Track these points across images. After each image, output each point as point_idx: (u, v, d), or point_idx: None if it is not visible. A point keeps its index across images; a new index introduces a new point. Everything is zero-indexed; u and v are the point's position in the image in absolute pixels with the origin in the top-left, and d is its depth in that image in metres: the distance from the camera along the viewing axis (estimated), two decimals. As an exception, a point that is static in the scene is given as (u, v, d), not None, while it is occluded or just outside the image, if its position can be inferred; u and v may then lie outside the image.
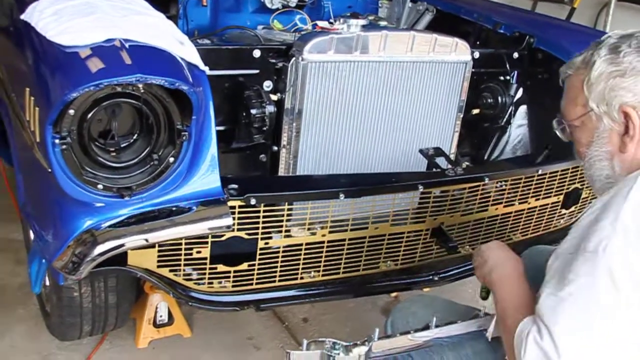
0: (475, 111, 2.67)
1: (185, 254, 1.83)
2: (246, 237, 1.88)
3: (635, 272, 1.18)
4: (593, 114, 1.35)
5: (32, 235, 2.06)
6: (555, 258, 1.31)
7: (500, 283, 1.48)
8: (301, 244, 1.98)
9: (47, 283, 2.24)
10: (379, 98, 2.24)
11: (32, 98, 1.63)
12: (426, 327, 1.59)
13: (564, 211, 2.53)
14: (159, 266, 1.82)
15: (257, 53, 2.11)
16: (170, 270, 1.84)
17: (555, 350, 1.17)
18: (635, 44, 1.33)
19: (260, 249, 1.92)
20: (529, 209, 2.40)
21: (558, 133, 1.50)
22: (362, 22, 2.19)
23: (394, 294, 2.89)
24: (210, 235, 1.81)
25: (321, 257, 2.03)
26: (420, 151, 2.23)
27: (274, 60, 2.14)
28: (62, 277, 1.68)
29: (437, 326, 1.58)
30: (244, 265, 1.93)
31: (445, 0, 3.25)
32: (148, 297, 2.48)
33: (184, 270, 1.86)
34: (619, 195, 1.24)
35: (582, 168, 1.62)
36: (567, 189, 2.47)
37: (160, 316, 2.53)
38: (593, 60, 1.35)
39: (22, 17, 1.80)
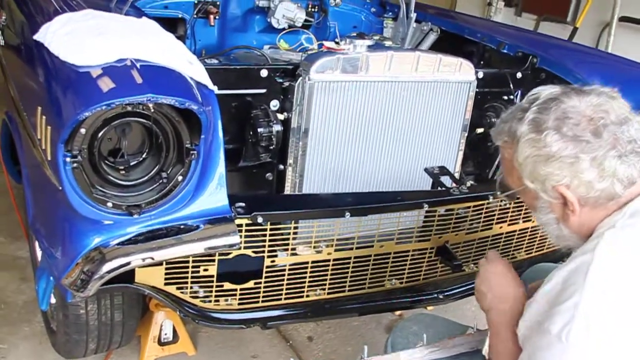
0: (480, 130, 2.68)
1: (192, 272, 1.84)
2: (253, 255, 1.89)
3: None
4: (530, 189, 1.34)
5: (39, 253, 2.08)
6: (522, 327, 1.33)
7: (497, 330, 1.47)
8: (307, 262, 1.99)
9: (53, 300, 2.25)
10: (384, 117, 2.26)
11: (44, 117, 1.65)
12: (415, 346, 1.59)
13: (568, 230, 2.54)
14: (166, 284, 1.83)
15: (264, 73, 2.14)
16: (177, 288, 1.85)
17: None
18: (552, 120, 1.27)
19: (267, 267, 1.94)
20: (533, 227, 2.41)
21: (503, 198, 1.50)
22: (368, 42, 2.22)
23: (398, 313, 2.89)
24: (217, 253, 1.82)
25: (327, 275, 2.04)
26: (425, 170, 2.25)
27: (280, 80, 2.16)
28: (70, 294, 1.68)
29: (427, 344, 1.58)
30: (251, 283, 1.94)
31: (450, 20, 3.29)
32: (153, 315, 2.48)
33: (190, 287, 1.87)
34: (579, 274, 1.22)
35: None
36: (571, 207, 2.48)
37: (165, 334, 2.53)
38: (517, 136, 1.32)
39: (35, 37, 1.83)
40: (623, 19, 5.50)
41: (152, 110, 1.57)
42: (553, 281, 1.27)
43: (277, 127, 2.10)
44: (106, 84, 1.55)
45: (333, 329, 2.86)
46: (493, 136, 1.43)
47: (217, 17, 2.97)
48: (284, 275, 1.98)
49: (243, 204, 1.80)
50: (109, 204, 1.63)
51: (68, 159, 1.53)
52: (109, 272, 1.62)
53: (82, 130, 1.52)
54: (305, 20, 2.94)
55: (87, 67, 1.59)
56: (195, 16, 2.89)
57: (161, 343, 2.53)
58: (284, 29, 2.90)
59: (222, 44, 2.96)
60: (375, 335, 2.86)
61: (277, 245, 1.92)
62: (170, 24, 2.84)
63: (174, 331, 2.56)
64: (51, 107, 1.64)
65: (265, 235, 1.88)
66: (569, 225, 1.33)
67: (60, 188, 1.58)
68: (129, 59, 1.62)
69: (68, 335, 2.17)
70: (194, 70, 1.72)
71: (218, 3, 2.94)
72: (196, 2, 2.91)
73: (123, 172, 1.67)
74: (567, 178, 1.27)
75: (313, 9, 3.11)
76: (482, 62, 2.99)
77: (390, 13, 3.42)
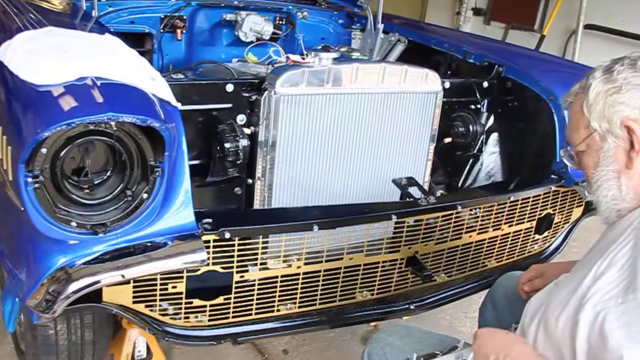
0: (448, 140, 2.71)
1: (161, 289, 1.82)
2: (221, 270, 1.88)
3: None
4: (596, 135, 1.38)
5: (5, 274, 2.05)
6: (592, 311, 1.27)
7: None
8: (277, 277, 1.99)
9: (22, 321, 2.22)
10: (351, 129, 2.27)
11: (5, 137, 1.63)
12: None
13: (537, 237, 2.57)
14: (134, 302, 1.81)
15: (230, 87, 2.13)
16: (146, 306, 1.83)
17: None
18: (627, 62, 1.37)
19: (236, 282, 1.92)
20: (502, 235, 2.43)
21: (566, 161, 1.54)
22: (333, 55, 2.23)
23: (373, 323, 2.89)
24: (185, 270, 1.81)
25: (297, 288, 2.03)
26: (393, 181, 2.26)
27: (247, 94, 2.16)
28: (35, 315, 1.66)
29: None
30: (220, 299, 1.93)
31: (417, 31, 3.31)
32: (126, 332, 2.45)
33: (159, 305, 1.85)
34: None
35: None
36: (540, 214, 2.51)
37: (139, 351, 2.50)
38: (589, 83, 1.39)
39: (-5, 55, 1.81)
40: (588, 26, 5.60)
41: (115, 129, 1.56)
42: (623, 249, 1.28)
43: (244, 142, 2.10)
44: (67, 103, 1.53)
45: (308, 341, 2.86)
46: (563, 100, 1.51)
47: (184, 32, 2.97)
48: (253, 290, 1.97)
49: (210, 220, 1.79)
50: (73, 224, 1.61)
51: (29, 179, 1.51)
52: (75, 292, 1.59)
53: (44, 150, 1.50)
54: (273, 33, 2.96)
55: (47, 86, 1.57)
56: (162, 31, 2.89)
57: (134, 361, 2.51)
58: (251, 42, 2.91)
59: (189, 58, 2.96)
60: (351, 346, 2.86)
61: (246, 260, 1.91)
62: (137, 39, 2.84)
63: (148, 348, 2.53)
64: (11, 126, 1.62)
65: (233, 251, 1.87)
66: (629, 176, 1.36)
67: (23, 209, 1.56)
68: (89, 78, 1.60)
69: (37, 356, 2.13)
70: (157, 86, 1.71)
71: (185, 17, 2.95)
72: (163, 16, 2.90)
73: (87, 190, 1.65)
74: (636, 110, 1.32)
75: (280, 22, 3.13)
76: (449, 72, 3.02)
77: (358, 24, 3.44)
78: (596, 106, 1.37)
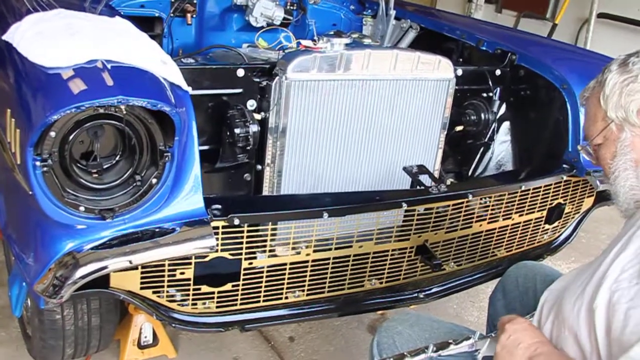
0: (459, 128, 2.68)
1: (169, 275, 1.81)
2: (230, 257, 1.87)
3: None
4: (613, 125, 1.40)
5: (13, 258, 2.04)
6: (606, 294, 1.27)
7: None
8: (285, 264, 1.97)
9: (29, 305, 2.21)
10: (362, 116, 2.25)
11: (13, 120, 1.62)
12: (422, 351, 1.56)
13: (547, 226, 2.54)
14: (142, 288, 1.80)
15: (240, 72, 2.11)
16: (154, 292, 1.83)
17: None
18: None
19: (244, 269, 1.91)
20: (512, 224, 2.41)
21: (584, 155, 1.57)
22: (345, 40, 2.20)
23: (380, 312, 2.88)
24: (193, 256, 1.80)
25: (306, 276, 2.02)
26: (404, 169, 2.24)
27: (257, 79, 2.14)
28: (42, 300, 1.65)
29: (434, 351, 1.55)
30: (228, 286, 1.92)
31: (429, 17, 3.28)
32: (132, 317, 2.45)
33: (167, 291, 1.84)
34: None
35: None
36: (550, 204, 2.48)
37: (145, 337, 2.50)
38: (605, 77, 1.42)
39: (4, 37, 1.80)
40: (601, 15, 5.53)
41: (125, 112, 1.54)
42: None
43: (254, 128, 2.08)
44: (76, 86, 1.51)
45: (314, 329, 2.85)
46: (580, 96, 1.53)
47: (194, 16, 2.93)
48: (262, 277, 1.96)
49: (219, 206, 1.77)
50: (82, 208, 1.60)
51: (38, 163, 1.50)
52: (82, 277, 1.59)
53: (52, 134, 1.49)
54: (284, 19, 2.92)
55: (57, 69, 1.55)
56: (172, 15, 2.85)
57: (141, 346, 2.51)
58: (262, 27, 2.88)
59: (199, 43, 2.93)
60: (357, 334, 2.85)
61: (255, 247, 1.89)
62: (147, 23, 2.81)
63: (154, 334, 2.53)
64: (20, 109, 1.61)
65: (242, 237, 1.85)
66: None
67: (31, 192, 1.54)
68: (100, 60, 1.58)
69: (44, 340, 2.13)
70: (168, 70, 1.69)
71: (195, 1, 2.91)
72: (173, 0, 2.87)
73: (96, 175, 1.63)
74: None
75: (292, 7, 3.08)
76: (461, 60, 2.99)
77: (370, 10, 3.40)
78: (613, 97, 1.39)
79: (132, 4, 2.86)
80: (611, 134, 1.41)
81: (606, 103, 1.40)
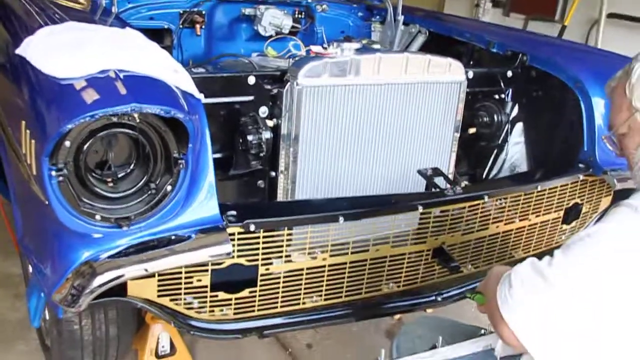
0: (472, 130, 2.67)
1: (186, 283, 1.81)
2: (246, 263, 1.87)
3: None
4: (638, 115, 1.40)
5: (30, 269, 2.05)
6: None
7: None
8: (302, 269, 1.97)
9: (47, 317, 2.22)
10: (375, 120, 2.24)
11: (28, 131, 1.63)
12: (433, 348, 1.57)
13: (565, 227, 2.52)
14: (159, 296, 1.80)
15: (252, 80, 2.12)
16: (171, 300, 1.82)
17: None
18: None
19: (261, 275, 1.91)
20: (529, 225, 2.39)
21: (608, 145, 1.55)
22: (355, 45, 2.20)
23: (397, 316, 2.86)
24: (210, 263, 1.79)
25: (323, 281, 2.01)
26: (419, 172, 2.23)
27: (269, 87, 2.14)
28: (61, 310, 1.66)
29: (443, 346, 1.56)
30: (245, 292, 1.91)
31: (438, 21, 3.28)
32: (149, 327, 2.45)
33: (184, 299, 1.84)
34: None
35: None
36: (567, 204, 2.46)
37: (162, 346, 2.50)
38: (632, 66, 1.42)
39: (17, 51, 1.81)
40: (611, 15, 5.50)
41: (138, 121, 1.55)
42: None
43: (267, 134, 2.08)
44: (89, 95, 1.52)
45: (332, 335, 2.84)
46: (606, 86, 1.53)
47: (203, 27, 2.96)
48: (279, 283, 1.95)
49: (234, 212, 1.78)
50: (98, 217, 1.60)
51: (53, 173, 1.51)
52: (100, 286, 1.59)
53: (67, 143, 1.50)
54: (292, 27, 2.94)
55: (70, 79, 1.56)
56: (181, 26, 2.88)
57: (158, 356, 2.50)
58: (271, 36, 2.89)
59: (209, 53, 2.95)
60: (375, 339, 2.83)
61: (271, 252, 1.89)
62: (156, 35, 2.83)
63: (171, 343, 2.53)
64: (35, 120, 1.62)
65: (258, 243, 1.85)
66: None
67: (47, 202, 1.55)
68: (112, 70, 1.59)
69: (62, 351, 2.14)
70: (180, 78, 1.70)
71: (204, 12, 2.94)
72: (182, 12, 2.89)
73: (111, 184, 1.64)
74: None
75: (300, 16, 3.10)
76: (471, 62, 2.98)
77: (378, 17, 3.41)
78: (639, 86, 1.39)
79: (142, 16, 2.89)
80: (636, 123, 1.41)
81: (631, 92, 1.40)
